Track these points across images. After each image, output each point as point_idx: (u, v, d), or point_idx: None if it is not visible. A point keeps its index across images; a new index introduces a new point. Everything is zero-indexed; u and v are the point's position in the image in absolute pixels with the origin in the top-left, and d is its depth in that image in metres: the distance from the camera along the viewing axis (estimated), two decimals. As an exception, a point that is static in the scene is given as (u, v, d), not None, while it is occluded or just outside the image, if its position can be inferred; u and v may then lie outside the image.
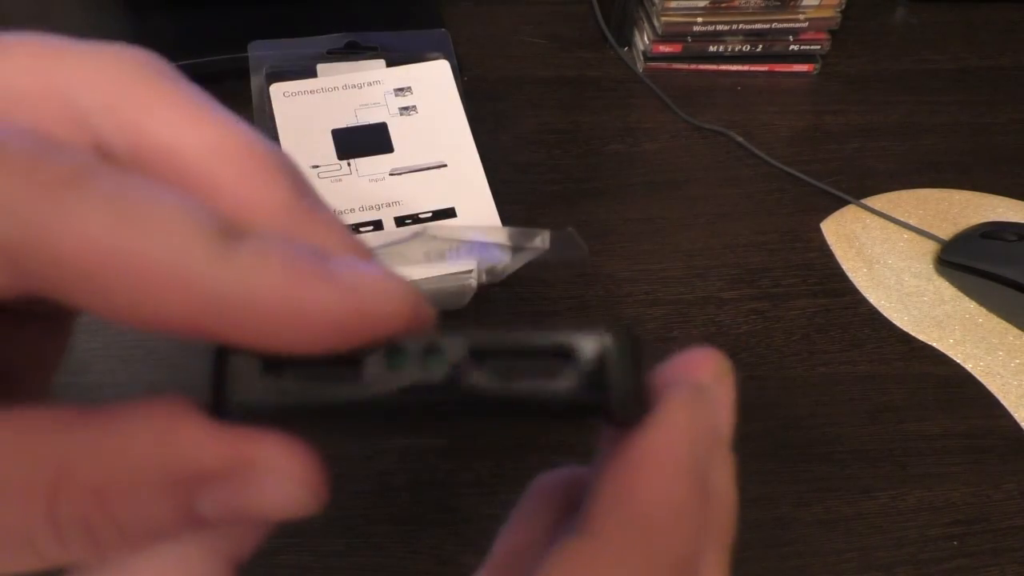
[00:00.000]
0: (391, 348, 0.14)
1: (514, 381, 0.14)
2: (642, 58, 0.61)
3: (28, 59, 0.14)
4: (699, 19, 0.59)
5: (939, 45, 0.65)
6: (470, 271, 0.43)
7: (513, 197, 0.50)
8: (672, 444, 0.14)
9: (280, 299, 0.13)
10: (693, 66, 0.61)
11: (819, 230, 0.52)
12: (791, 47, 0.61)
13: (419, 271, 0.42)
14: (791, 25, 0.60)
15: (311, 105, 0.50)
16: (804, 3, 0.59)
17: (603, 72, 0.60)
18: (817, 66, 0.62)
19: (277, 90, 0.50)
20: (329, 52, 0.54)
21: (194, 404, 0.14)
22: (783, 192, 0.54)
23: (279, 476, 0.14)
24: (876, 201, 0.53)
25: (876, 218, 0.52)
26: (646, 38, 0.60)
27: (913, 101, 0.61)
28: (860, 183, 0.54)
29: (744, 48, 0.61)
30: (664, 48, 0.60)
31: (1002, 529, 0.40)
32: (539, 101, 0.58)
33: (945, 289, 0.49)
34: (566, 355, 0.14)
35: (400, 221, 0.46)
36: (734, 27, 0.60)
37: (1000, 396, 0.45)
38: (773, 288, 0.49)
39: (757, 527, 0.39)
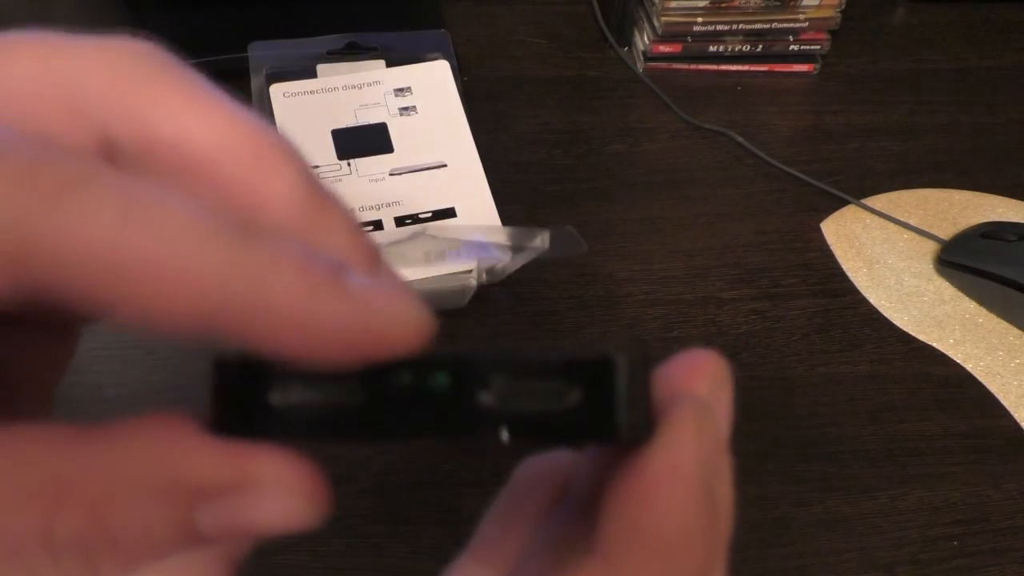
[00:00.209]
0: (396, 365, 0.14)
1: (520, 402, 0.13)
2: (642, 58, 0.61)
3: (32, 55, 0.14)
4: (699, 19, 0.59)
5: (939, 45, 0.65)
6: (470, 271, 0.43)
7: (513, 197, 0.50)
8: (683, 466, 0.14)
9: (290, 304, 0.13)
10: (693, 66, 0.61)
11: (819, 230, 0.52)
12: (791, 47, 0.61)
13: (419, 271, 0.42)
14: (791, 25, 0.60)
15: (311, 105, 0.50)
16: (804, 3, 0.59)
17: (603, 72, 0.60)
18: (817, 66, 0.62)
19: (277, 90, 0.50)
20: (329, 52, 0.54)
21: (193, 419, 0.14)
22: (783, 192, 0.54)
23: (279, 491, 0.14)
24: (876, 201, 0.53)
25: (876, 218, 0.52)
26: (646, 38, 0.60)
27: (913, 101, 0.61)
28: (860, 183, 0.54)
29: (744, 48, 0.61)
30: (664, 48, 0.60)
31: (1002, 529, 0.40)
32: (539, 101, 0.58)
33: (945, 289, 0.49)
34: (573, 377, 0.14)
35: (400, 221, 0.46)
36: (734, 27, 0.60)
37: (1000, 396, 0.45)
38: (773, 288, 0.49)
39: (757, 527, 0.39)
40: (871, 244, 0.51)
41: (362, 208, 0.46)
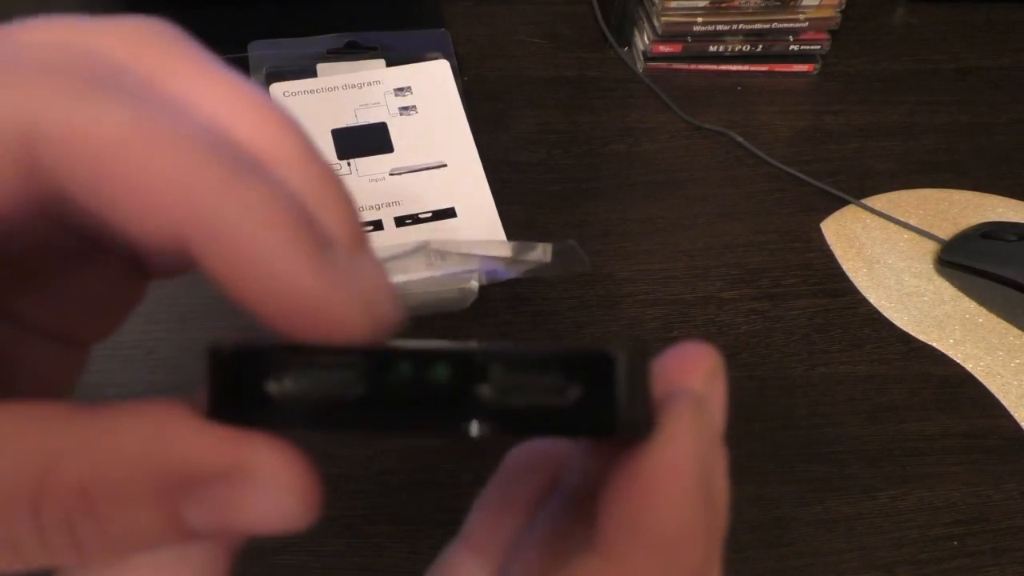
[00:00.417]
0: (397, 355, 0.14)
1: (519, 395, 0.13)
2: (642, 58, 0.61)
3: (49, 29, 0.14)
4: (699, 19, 0.59)
5: (939, 45, 0.65)
6: (471, 274, 0.43)
7: (513, 197, 0.50)
8: (682, 462, 0.14)
9: (267, 254, 0.13)
10: (693, 66, 0.61)
11: (819, 230, 0.52)
12: (791, 47, 0.61)
13: (421, 275, 0.42)
14: (791, 25, 0.60)
15: (311, 105, 0.50)
16: (804, 3, 0.59)
17: (603, 72, 0.60)
18: (817, 66, 0.62)
19: (277, 90, 0.50)
20: (329, 52, 0.54)
21: (189, 406, 0.14)
22: (783, 192, 0.54)
23: (271, 485, 0.13)
24: (876, 201, 0.53)
25: (876, 218, 0.52)
26: (646, 38, 0.60)
27: (913, 101, 0.61)
28: (860, 183, 0.54)
29: (744, 48, 0.61)
30: (664, 48, 0.60)
31: (1002, 529, 0.40)
32: (539, 101, 0.58)
33: (945, 289, 0.49)
34: (572, 373, 0.14)
35: (400, 221, 0.46)
36: (734, 27, 0.60)
37: (1000, 396, 0.45)
38: (773, 288, 0.49)
39: (757, 527, 0.39)
40: (871, 244, 0.51)
41: (362, 208, 0.46)
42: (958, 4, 0.68)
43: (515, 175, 0.53)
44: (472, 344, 0.14)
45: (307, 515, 0.14)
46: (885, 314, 0.48)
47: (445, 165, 0.48)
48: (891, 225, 0.52)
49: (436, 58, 0.53)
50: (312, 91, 0.50)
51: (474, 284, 0.43)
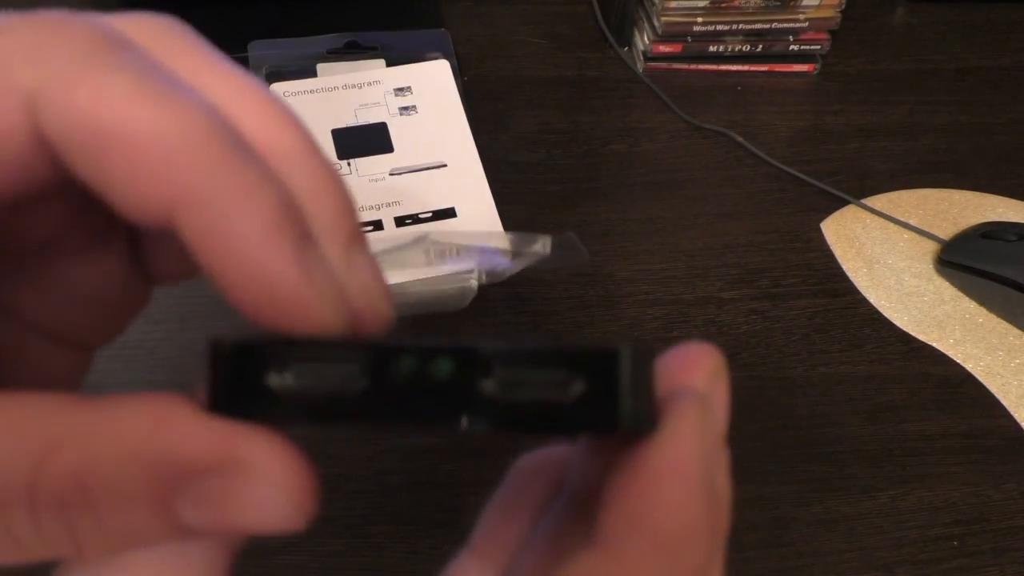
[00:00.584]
0: (400, 350, 0.14)
1: (522, 390, 0.13)
2: (642, 58, 0.61)
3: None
4: (699, 19, 0.59)
5: (939, 45, 0.65)
6: (471, 272, 0.43)
7: (513, 197, 0.50)
8: (686, 459, 0.14)
9: (246, 241, 0.13)
10: (693, 66, 0.61)
11: (819, 230, 0.52)
12: (791, 47, 0.61)
13: (420, 272, 0.42)
14: (791, 25, 0.60)
15: (311, 105, 0.50)
16: (804, 3, 0.59)
17: (603, 72, 0.60)
18: (817, 66, 0.62)
19: (277, 90, 0.50)
20: (329, 52, 0.54)
21: (189, 399, 0.14)
22: (783, 192, 0.54)
23: (265, 480, 0.13)
24: (876, 201, 0.53)
25: (876, 218, 0.52)
26: (646, 38, 0.60)
27: (913, 101, 0.61)
28: (860, 183, 0.54)
29: (744, 48, 0.61)
30: (664, 48, 0.60)
31: (1002, 529, 0.40)
32: (539, 101, 0.58)
33: (945, 289, 0.49)
34: (576, 369, 0.14)
35: (400, 221, 0.46)
36: (734, 27, 0.60)
37: (1000, 396, 0.45)
38: (773, 288, 0.49)
39: (757, 527, 0.39)
40: (871, 244, 0.51)
41: (362, 208, 0.46)
42: (958, 4, 0.68)
43: (515, 175, 0.53)
44: (475, 339, 0.14)
45: (302, 514, 0.14)
46: (885, 314, 0.48)
47: (445, 165, 0.48)
48: (891, 225, 0.52)
49: (436, 58, 0.53)
50: (312, 91, 0.50)
51: (473, 283, 0.43)
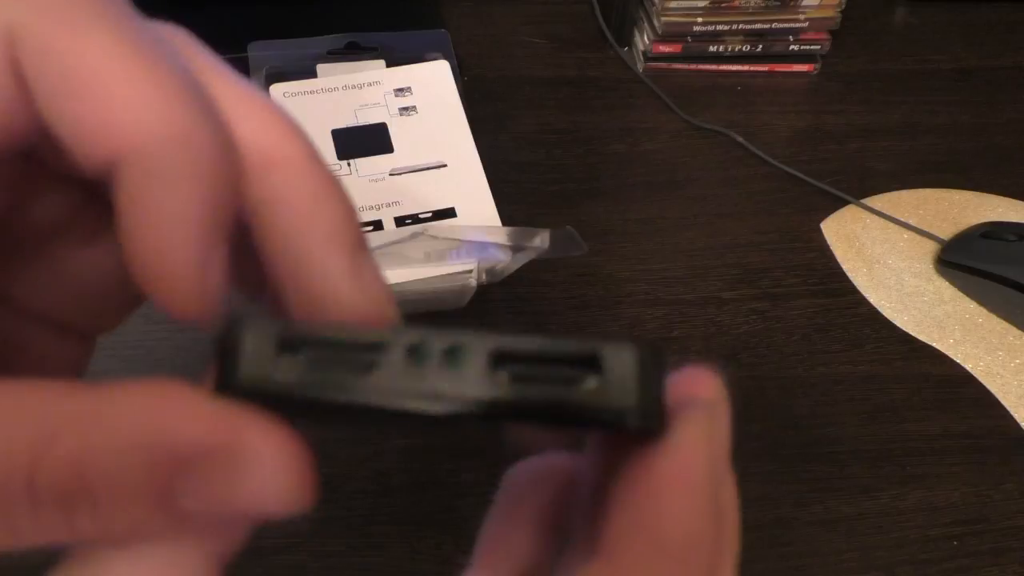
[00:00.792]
0: (413, 341, 0.14)
1: (534, 386, 0.13)
2: (642, 58, 0.61)
3: None
4: (699, 19, 0.59)
5: (939, 45, 0.65)
6: (470, 271, 0.43)
7: (513, 197, 0.50)
8: (692, 468, 0.14)
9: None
10: (693, 66, 0.61)
11: (819, 230, 0.52)
12: (791, 47, 0.61)
13: (419, 271, 0.42)
14: (791, 25, 0.60)
15: (311, 105, 0.50)
16: (804, 3, 0.59)
17: (603, 72, 0.60)
18: (817, 66, 0.62)
19: (277, 90, 0.50)
20: (329, 52, 0.54)
21: (188, 384, 0.14)
22: (783, 192, 0.54)
23: (265, 463, 0.13)
24: (876, 201, 0.53)
25: (876, 218, 0.52)
26: (646, 38, 0.60)
27: (913, 101, 0.61)
28: (860, 183, 0.54)
29: (744, 48, 0.61)
30: (664, 48, 0.60)
31: (1002, 529, 0.40)
32: (539, 101, 0.58)
33: (945, 289, 0.49)
34: (588, 364, 0.14)
35: (400, 221, 0.46)
36: (734, 27, 0.60)
37: (1000, 396, 0.45)
38: (773, 288, 0.49)
39: (757, 527, 0.39)
40: (871, 244, 0.51)
41: (362, 208, 0.46)
42: (958, 4, 0.68)
43: (515, 175, 0.53)
44: (488, 333, 0.14)
45: (302, 497, 0.14)
46: (885, 314, 0.48)
47: (445, 165, 0.48)
48: (891, 225, 0.52)
49: (436, 58, 0.53)
50: (312, 91, 0.50)
51: (472, 282, 0.43)
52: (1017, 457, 0.42)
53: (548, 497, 0.19)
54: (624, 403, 0.13)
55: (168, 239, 0.13)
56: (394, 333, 0.14)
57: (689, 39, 0.60)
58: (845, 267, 0.50)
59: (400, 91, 0.51)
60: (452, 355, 0.14)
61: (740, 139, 0.56)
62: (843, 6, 0.60)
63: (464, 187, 0.47)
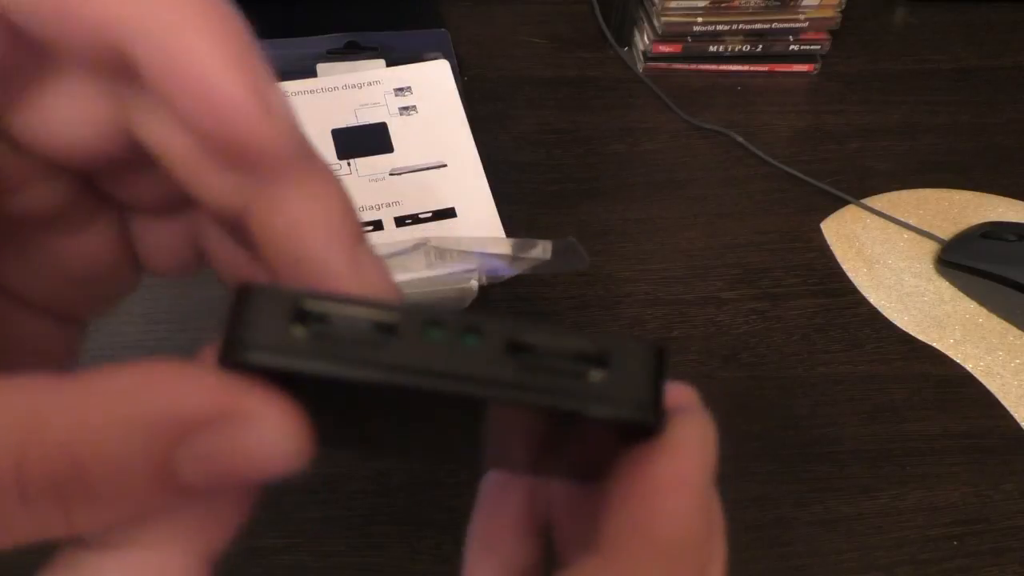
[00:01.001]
0: (430, 317, 0.13)
1: (542, 377, 0.14)
2: (642, 58, 0.61)
3: None
4: (699, 19, 0.59)
5: (939, 45, 0.65)
6: (472, 271, 0.43)
7: (513, 197, 0.50)
8: (689, 470, 0.14)
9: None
10: (693, 66, 0.61)
11: (819, 230, 0.52)
12: (791, 47, 0.61)
13: (420, 274, 0.42)
14: (791, 25, 0.60)
15: (311, 105, 0.50)
16: (804, 3, 0.59)
17: (603, 72, 0.60)
18: (817, 66, 0.62)
19: (277, 90, 0.50)
20: (329, 52, 0.54)
21: (179, 359, 0.13)
22: (783, 192, 0.54)
23: (263, 426, 0.13)
24: (876, 201, 0.53)
25: (876, 218, 0.52)
26: (646, 38, 0.60)
27: (913, 101, 0.61)
28: (860, 183, 0.54)
29: (744, 48, 0.61)
30: (664, 48, 0.60)
31: (1002, 529, 0.40)
32: (539, 101, 0.58)
33: (945, 289, 0.49)
34: (596, 359, 0.14)
35: (400, 221, 0.46)
36: (734, 27, 0.60)
37: (1000, 396, 0.45)
38: (773, 288, 0.49)
39: (757, 527, 0.39)
40: (871, 244, 0.51)
41: (362, 208, 0.46)
42: (958, 4, 0.68)
43: (515, 175, 0.53)
44: (504, 319, 0.14)
45: (301, 456, 0.13)
46: (885, 314, 0.48)
47: (445, 165, 0.48)
48: (891, 225, 0.52)
49: (436, 58, 0.53)
50: (312, 91, 0.50)
51: (473, 284, 0.43)
52: (1017, 457, 0.42)
53: (523, 500, 0.19)
54: (629, 398, 0.14)
55: (218, 88, 0.13)
56: (406, 308, 0.14)
57: (689, 39, 0.60)
58: (845, 267, 0.50)
59: (400, 91, 0.51)
60: (466, 335, 0.14)
61: (740, 139, 0.56)
62: (843, 6, 0.60)
63: (464, 187, 0.47)
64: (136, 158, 0.15)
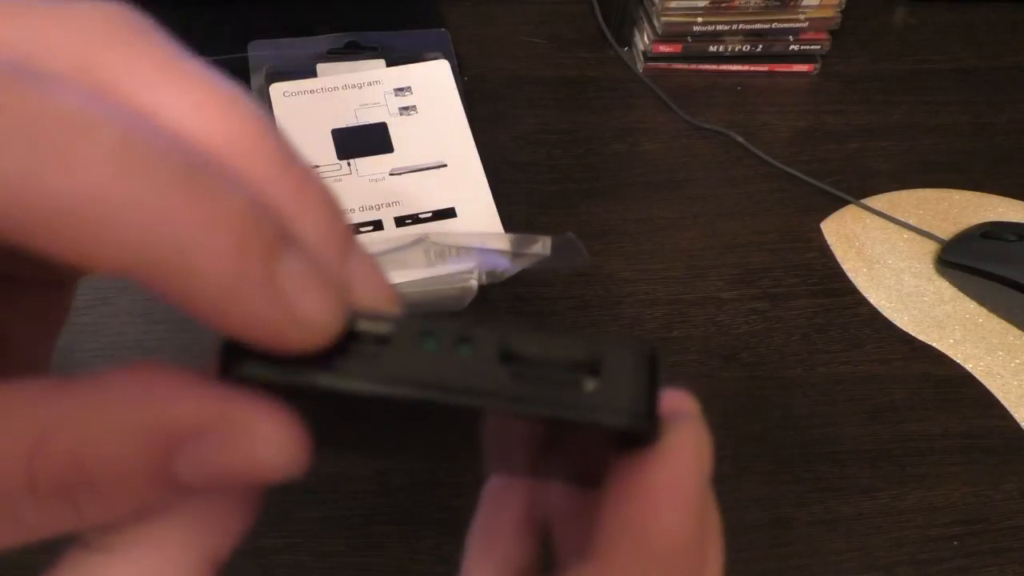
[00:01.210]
0: (423, 328, 0.14)
1: (535, 387, 0.14)
2: (642, 58, 0.61)
3: None
4: (699, 19, 0.59)
5: (939, 45, 0.65)
6: (471, 272, 0.43)
7: (513, 197, 0.50)
8: (684, 477, 0.14)
9: (213, 276, 0.12)
10: (693, 66, 0.61)
11: (819, 230, 0.52)
12: (791, 47, 0.61)
13: (420, 273, 0.42)
14: (791, 25, 0.60)
15: (311, 105, 0.50)
16: (804, 3, 0.59)
17: (603, 72, 0.60)
18: (817, 66, 0.62)
19: (277, 90, 0.50)
20: (329, 52, 0.54)
21: (175, 366, 0.14)
22: (783, 192, 0.54)
23: (259, 432, 0.13)
24: (876, 201, 0.53)
25: (876, 218, 0.52)
26: (646, 38, 0.60)
27: (913, 101, 0.61)
28: (860, 183, 0.54)
29: (744, 48, 0.61)
30: (664, 48, 0.60)
31: (1002, 529, 0.40)
32: (539, 101, 0.58)
33: (945, 289, 0.49)
34: (588, 366, 0.14)
35: (400, 221, 0.46)
36: (734, 27, 0.60)
37: (1000, 396, 0.45)
38: (773, 288, 0.49)
39: (757, 527, 0.39)
40: (871, 244, 0.51)
41: (362, 208, 0.46)
42: (958, 4, 0.68)
43: (515, 175, 0.53)
44: (497, 328, 0.14)
45: (295, 463, 0.14)
46: (885, 314, 0.48)
47: (445, 165, 0.48)
48: (891, 225, 0.52)
49: (436, 58, 0.53)
50: (312, 91, 0.50)
51: (473, 283, 0.43)
52: (1017, 457, 0.42)
53: (524, 501, 0.19)
54: (622, 407, 0.14)
55: (230, 299, 0.13)
56: (404, 320, 0.14)
57: (689, 39, 0.60)
58: (845, 267, 0.50)
59: (400, 91, 0.51)
60: (459, 344, 0.14)
61: (740, 139, 0.56)
62: (843, 6, 0.60)
63: (464, 187, 0.47)
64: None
